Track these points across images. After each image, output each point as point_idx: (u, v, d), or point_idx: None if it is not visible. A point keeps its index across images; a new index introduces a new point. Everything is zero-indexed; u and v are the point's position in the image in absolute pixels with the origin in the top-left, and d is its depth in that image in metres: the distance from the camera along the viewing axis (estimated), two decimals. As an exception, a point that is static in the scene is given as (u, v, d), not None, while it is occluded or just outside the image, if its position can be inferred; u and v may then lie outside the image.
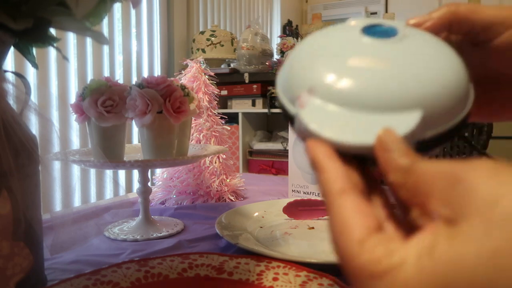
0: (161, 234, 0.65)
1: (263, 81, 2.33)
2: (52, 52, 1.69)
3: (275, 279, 0.44)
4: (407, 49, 0.27)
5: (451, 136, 0.27)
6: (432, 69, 0.26)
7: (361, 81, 0.25)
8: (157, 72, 2.33)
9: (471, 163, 0.19)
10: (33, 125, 0.42)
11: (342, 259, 0.22)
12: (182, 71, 0.92)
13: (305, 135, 0.25)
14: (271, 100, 2.32)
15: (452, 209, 0.19)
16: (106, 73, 1.97)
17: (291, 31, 3.14)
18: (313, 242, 0.61)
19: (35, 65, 0.45)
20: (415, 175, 0.21)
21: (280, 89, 0.29)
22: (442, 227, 0.19)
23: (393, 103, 0.24)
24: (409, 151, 0.22)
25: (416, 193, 0.21)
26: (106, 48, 1.96)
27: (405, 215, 0.23)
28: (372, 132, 0.23)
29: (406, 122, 0.24)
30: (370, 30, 0.28)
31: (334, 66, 0.26)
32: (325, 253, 0.55)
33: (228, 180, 0.90)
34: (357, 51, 0.27)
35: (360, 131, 0.24)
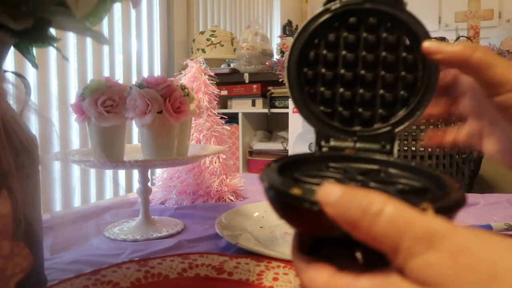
0: (161, 234, 0.65)
1: (263, 81, 2.33)
2: (52, 52, 1.69)
3: (275, 279, 0.44)
4: None
5: None
6: None
7: None
8: (157, 72, 2.33)
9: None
10: (33, 125, 0.42)
11: None
12: (182, 71, 0.92)
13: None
14: (271, 100, 2.32)
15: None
16: (106, 73, 1.97)
17: (291, 31, 3.14)
18: (313, 242, 0.61)
19: (35, 65, 0.45)
20: (383, 218, 0.22)
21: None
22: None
23: None
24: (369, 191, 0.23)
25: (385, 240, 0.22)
26: (106, 48, 1.96)
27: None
28: None
29: None
30: None
31: None
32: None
33: (228, 180, 0.90)
34: None
35: None
